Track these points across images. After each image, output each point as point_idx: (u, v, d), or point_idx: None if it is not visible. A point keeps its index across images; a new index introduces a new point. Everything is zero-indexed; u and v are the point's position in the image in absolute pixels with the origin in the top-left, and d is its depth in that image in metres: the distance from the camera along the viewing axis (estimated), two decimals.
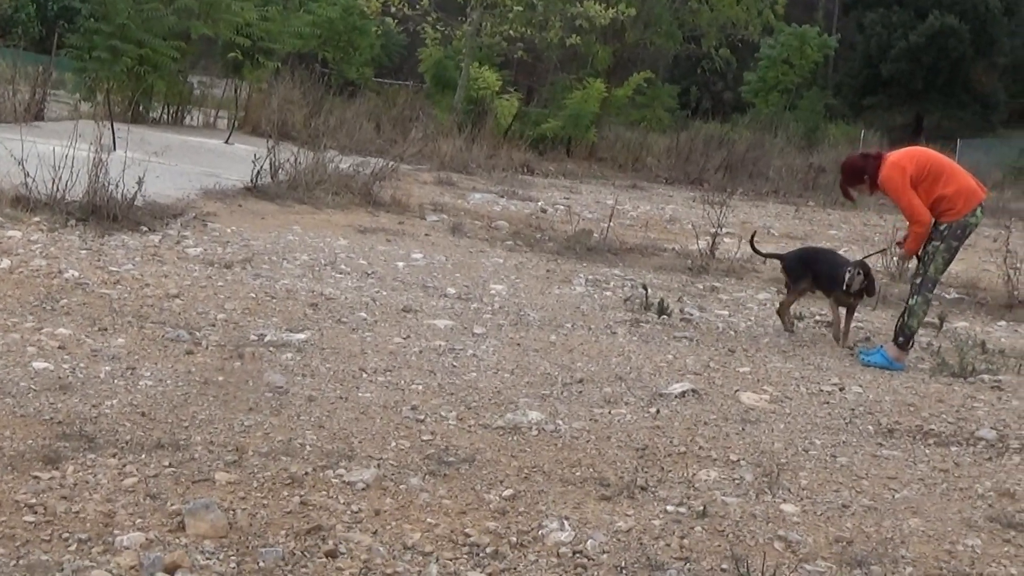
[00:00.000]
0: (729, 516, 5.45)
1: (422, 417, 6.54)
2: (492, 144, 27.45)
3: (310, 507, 5.08)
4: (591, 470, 5.94)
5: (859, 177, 9.49)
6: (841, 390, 8.33)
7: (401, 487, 5.41)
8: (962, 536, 5.47)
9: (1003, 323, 12.20)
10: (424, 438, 6.17)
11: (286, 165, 15.27)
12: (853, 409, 7.80)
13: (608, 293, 11.52)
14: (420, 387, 7.18)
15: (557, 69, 34.15)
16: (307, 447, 5.83)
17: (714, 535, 5.21)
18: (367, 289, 10.04)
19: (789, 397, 7.98)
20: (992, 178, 34.59)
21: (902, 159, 9.36)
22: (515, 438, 6.36)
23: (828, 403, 7.92)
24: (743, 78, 52.15)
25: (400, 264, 11.53)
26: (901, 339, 9.52)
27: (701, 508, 5.46)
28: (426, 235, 13.86)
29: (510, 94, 30.75)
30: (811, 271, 10.25)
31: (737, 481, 6.00)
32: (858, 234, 19.24)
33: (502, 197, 19.34)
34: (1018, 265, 13.04)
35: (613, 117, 34.55)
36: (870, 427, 7.38)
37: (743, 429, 7.00)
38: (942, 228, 9.32)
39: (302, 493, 5.21)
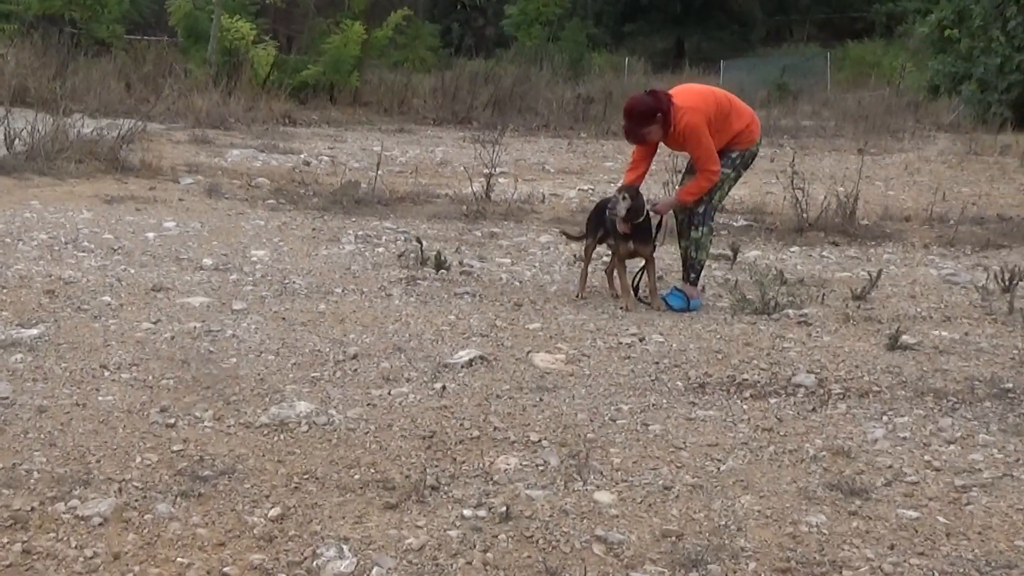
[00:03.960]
0: (537, 515, 4.68)
1: (172, 420, 5.63)
2: (250, 96, 26.20)
3: (34, 556, 4.18)
4: (372, 470, 5.12)
5: (652, 117, 8.47)
6: (641, 340, 7.64)
7: (146, 517, 4.52)
8: (803, 513, 4.79)
9: (795, 248, 11.68)
10: (175, 448, 5.27)
11: (23, 134, 14.04)
12: (657, 363, 7.10)
13: (380, 249, 10.66)
14: (171, 382, 6.26)
15: (313, 14, 33.03)
16: (35, 474, 4.89)
17: (522, 543, 4.42)
18: (112, 268, 9.02)
19: (586, 355, 7.24)
20: (758, 97, 34.59)
21: (698, 103, 8.56)
22: (282, 437, 5.50)
23: (630, 358, 7.21)
24: (504, 12, 51.60)
25: (150, 235, 10.49)
26: (693, 275, 8.91)
27: (504, 509, 4.66)
28: (180, 200, 12.78)
29: (266, 43, 29.54)
30: (603, 223, 9.02)
31: (541, 467, 5.23)
32: None
33: (262, 152, 18.19)
34: (802, 186, 12.52)
35: (375, 60, 33.57)
36: (679, 383, 6.69)
37: (541, 400, 6.24)
38: (734, 156, 8.69)
39: (26, 538, 4.30)
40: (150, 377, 6.32)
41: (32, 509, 4.53)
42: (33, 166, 13.44)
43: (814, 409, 6.27)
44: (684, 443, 5.62)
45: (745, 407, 6.26)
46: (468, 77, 31.20)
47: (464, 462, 5.27)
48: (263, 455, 5.24)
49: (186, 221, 11.36)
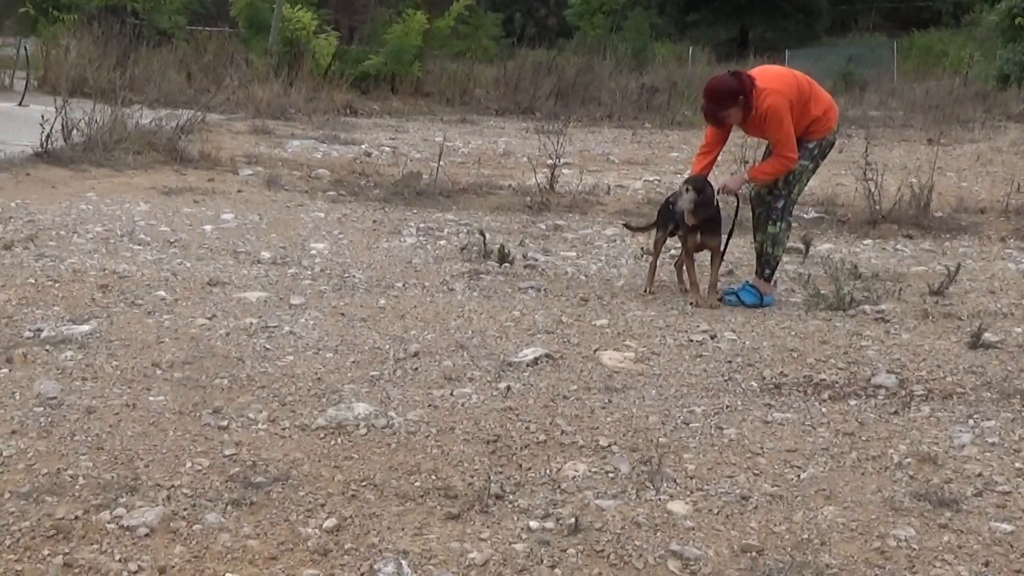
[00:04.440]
0: (607, 527, 4.40)
1: (225, 423, 5.38)
2: (312, 87, 26.03)
3: (76, 569, 3.94)
4: (433, 477, 4.86)
5: (734, 98, 8.15)
6: (713, 338, 7.34)
7: (195, 528, 4.27)
8: (890, 525, 4.49)
9: (869, 241, 11.35)
10: (227, 452, 5.02)
11: (81, 124, 13.85)
12: (730, 361, 6.81)
13: (442, 242, 10.41)
14: (225, 381, 6.02)
15: (375, 4, 32.89)
16: (80, 479, 4.66)
17: (592, 558, 4.15)
18: (168, 261, 8.81)
19: (656, 353, 6.95)
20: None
21: (781, 85, 8.25)
22: (339, 441, 5.24)
23: (701, 356, 6.92)
24: (566, 2, 51.34)
25: (208, 228, 10.28)
26: (768, 271, 8.59)
27: (572, 521, 4.38)
28: (238, 192, 12.58)
29: (327, 33, 29.38)
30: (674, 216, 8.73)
31: (611, 475, 4.95)
32: None
33: (323, 143, 17.98)
34: (874, 177, 12.16)
35: (437, 50, 33.35)
36: (753, 383, 6.40)
37: (609, 401, 5.96)
38: (811, 147, 8.36)
39: (67, 549, 4.06)
40: (203, 376, 6.09)
41: (76, 518, 4.30)
42: (91, 157, 13.27)
43: (896, 412, 5.96)
44: (761, 448, 5.33)
45: (824, 409, 5.96)
46: (531, 67, 30.92)
47: (530, 468, 5.00)
48: (319, 460, 4.99)
49: (244, 213, 11.15)
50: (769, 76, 8.34)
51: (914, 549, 4.30)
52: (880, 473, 5.08)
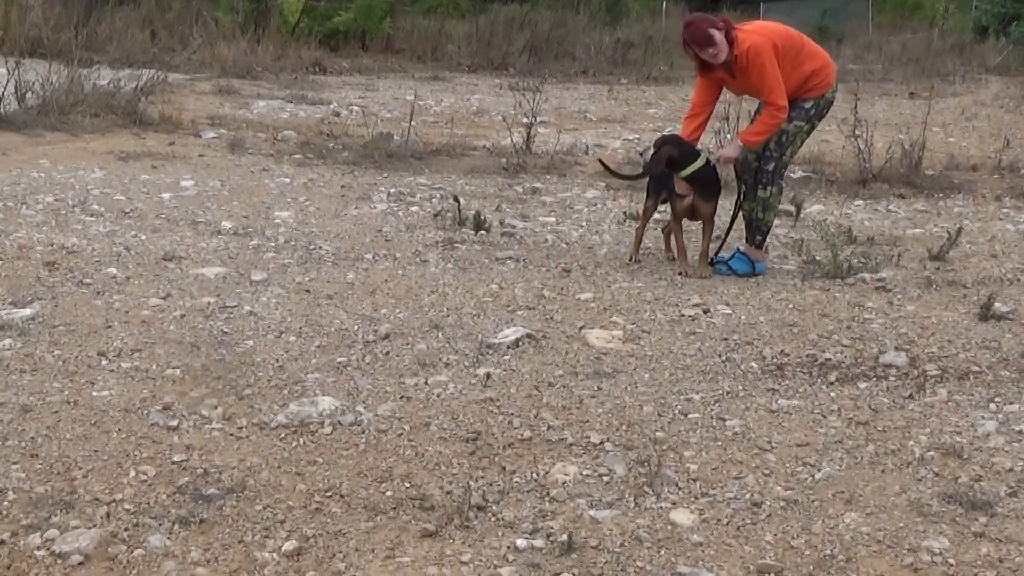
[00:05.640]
0: (605, 545, 3.89)
1: (175, 422, 4.86)
2: (280, 44, 25.33)
3: None
4: (407, 484, 4.34)
5: (714, 24, 7.63)
6: (706, 312, 6.84)
7: (136, 553, 3.76)
8: (921, 535, 3.99)
9: (860, 202, 10.81)
10: (176, 458, 4.51)
11: (36, 87, 13.23)
12: (726, 339, 6.31)
13: (414, 208, 9.83)
14: (177, 371, 5.50)
15: None
16: (10, 494, 4.15)
17: None
18: (121, 234, 8.24)
19: (646, 331, 6.44)
20: None
21: (764, 31, 7.81)
22: (301, 442, 4.72)
23: (695, 333, 6.41)
24: None
25: (166, 196, 9.68)
26: (759, 237, 8.08)
27: (565, 537, 3.88)
28: (200, 156, 11.94)
29: None
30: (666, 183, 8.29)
31: (606, 478, 4.44)
32: (679, 111, 17.56)
33: (290, 102, 17.27)
34: (862, 134, 11.64)
35: (408, 6, 32.67)
36: (754, 364, 5.89)
37: (599, 388, 5.45)
38: (808, 106, 7.81)
39: None
40: (154, 366, 5.56)
41: (1, 543, 3.79)
42: (45, 121, 12.60)
43: (911, 396, 5.47)
44: (769, 443, 4.83)
45: (832, 395, 5.47)
46: (503, 22, 30.27)
47: (515, 472, 4.49)
48: (279, 466, 4.47)
49: (205, 180, 10.55)
50: (751, 25, 7.94)
51: (950, 564, 3.82)
52: (902, 470, 4.59)
